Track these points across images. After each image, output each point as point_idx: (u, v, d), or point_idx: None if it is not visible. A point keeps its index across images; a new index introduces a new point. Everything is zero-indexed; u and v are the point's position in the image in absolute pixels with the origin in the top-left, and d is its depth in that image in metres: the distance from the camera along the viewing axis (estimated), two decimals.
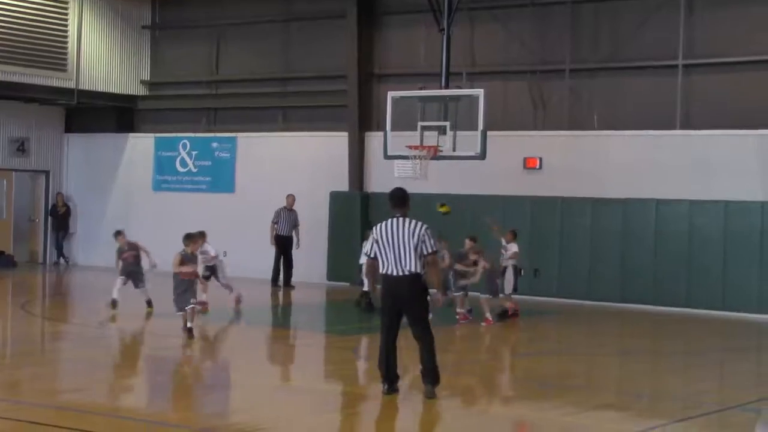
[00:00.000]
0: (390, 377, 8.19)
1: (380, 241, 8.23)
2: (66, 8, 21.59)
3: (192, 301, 12.05)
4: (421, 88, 17.29)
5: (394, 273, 8.13)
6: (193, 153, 22.64)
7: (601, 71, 18.51)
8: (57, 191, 23.51)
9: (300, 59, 21.67)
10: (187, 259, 12.26)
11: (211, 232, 15.05)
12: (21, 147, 22.99)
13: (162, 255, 14.04)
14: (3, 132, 22.67)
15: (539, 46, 19.07)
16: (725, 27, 17.19)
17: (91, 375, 9.96)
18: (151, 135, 23.26)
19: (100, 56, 22.58)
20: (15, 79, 20.48)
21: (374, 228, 8.50)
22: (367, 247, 8.85)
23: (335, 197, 20.27)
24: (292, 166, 20.84)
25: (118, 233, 14.91)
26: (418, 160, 16.42)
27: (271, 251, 18.58)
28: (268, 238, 19.19)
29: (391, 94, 17.23)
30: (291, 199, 19.06)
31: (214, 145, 22.48)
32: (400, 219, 8.12)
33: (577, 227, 18.31)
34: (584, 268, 18.15)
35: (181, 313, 11.80)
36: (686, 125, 17.40)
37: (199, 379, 10.39)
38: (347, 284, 19.55)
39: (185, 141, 22.75)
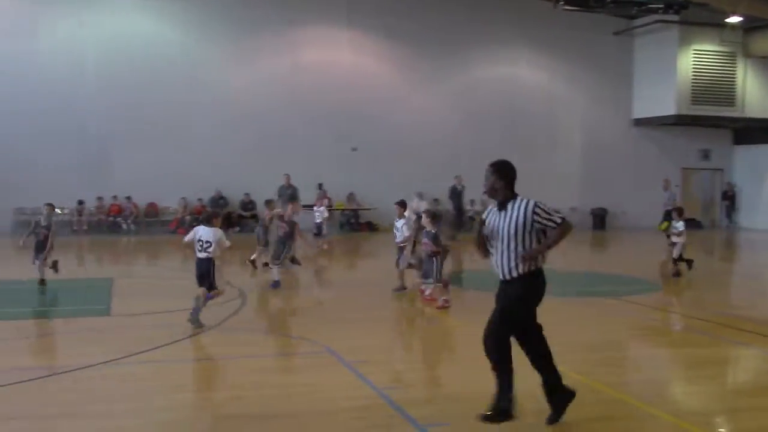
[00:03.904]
0: None
1: None
2: (735, 68, 27.03)
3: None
4: None
5: None
6: None
7: None
8: (727, 182, 29.14)
9: None
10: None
11: None
12: (705, 155, 28.87)
13: None
14: (695, 145, 28.64)
15: None
16: None
17: None
18: None
19: (758, 95, 27.31)
20: (703, 113, 26.38)
21: None
22: None
23: None
24: None
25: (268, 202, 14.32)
26: None
27: None
28: None
29: None
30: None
31: None
32: None
33: None
34: None
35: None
36: None
37: None
38: None
39: None
